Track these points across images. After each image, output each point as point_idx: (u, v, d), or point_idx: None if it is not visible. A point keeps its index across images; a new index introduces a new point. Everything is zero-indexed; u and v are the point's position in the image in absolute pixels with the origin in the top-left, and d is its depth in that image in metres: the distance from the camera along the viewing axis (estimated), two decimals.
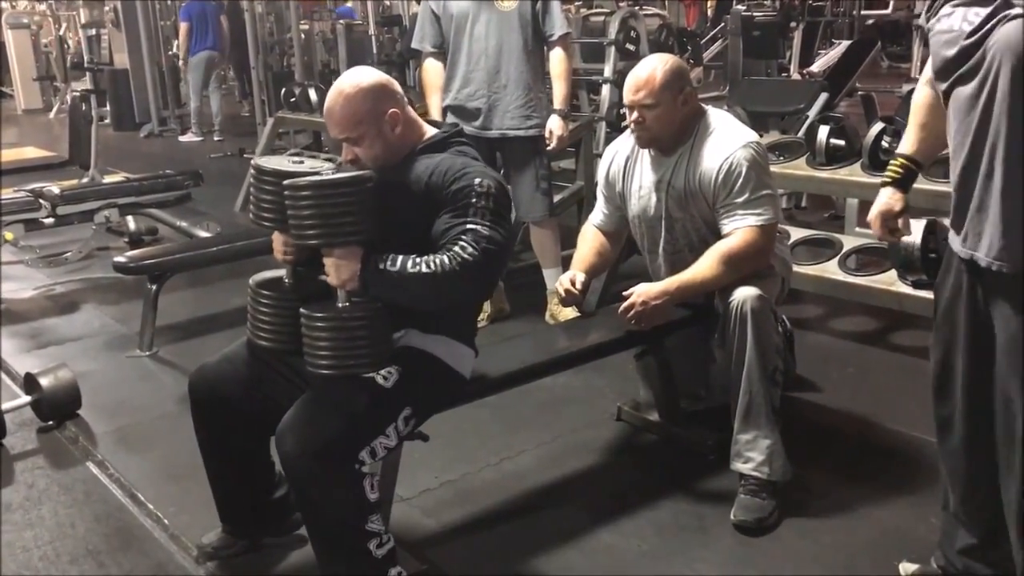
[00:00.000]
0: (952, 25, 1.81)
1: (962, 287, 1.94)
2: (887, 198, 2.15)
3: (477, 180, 2.10)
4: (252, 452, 2.37)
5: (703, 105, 2.77)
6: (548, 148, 3.93)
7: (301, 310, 2.09)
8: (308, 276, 2.20)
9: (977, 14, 1.76)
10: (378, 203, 2.07)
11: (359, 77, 2.19)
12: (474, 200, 2.08)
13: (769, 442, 2.56)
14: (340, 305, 2.07)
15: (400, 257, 2.03)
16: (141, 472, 2.99)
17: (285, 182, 2.05)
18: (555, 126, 3.87)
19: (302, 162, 2.20)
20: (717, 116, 2.73)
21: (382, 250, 2.05)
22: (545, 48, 3.96)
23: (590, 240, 2.99)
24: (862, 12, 12.06)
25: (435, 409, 2.28)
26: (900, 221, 2.15)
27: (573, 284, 2.79)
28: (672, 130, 2.67)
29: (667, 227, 2.76)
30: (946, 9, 1.84)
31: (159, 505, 2.75)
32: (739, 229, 2.59)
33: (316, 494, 2.02)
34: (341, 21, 10.69)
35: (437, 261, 2.02)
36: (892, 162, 2.17)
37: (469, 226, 2.06)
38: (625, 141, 2.89)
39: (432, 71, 4.00)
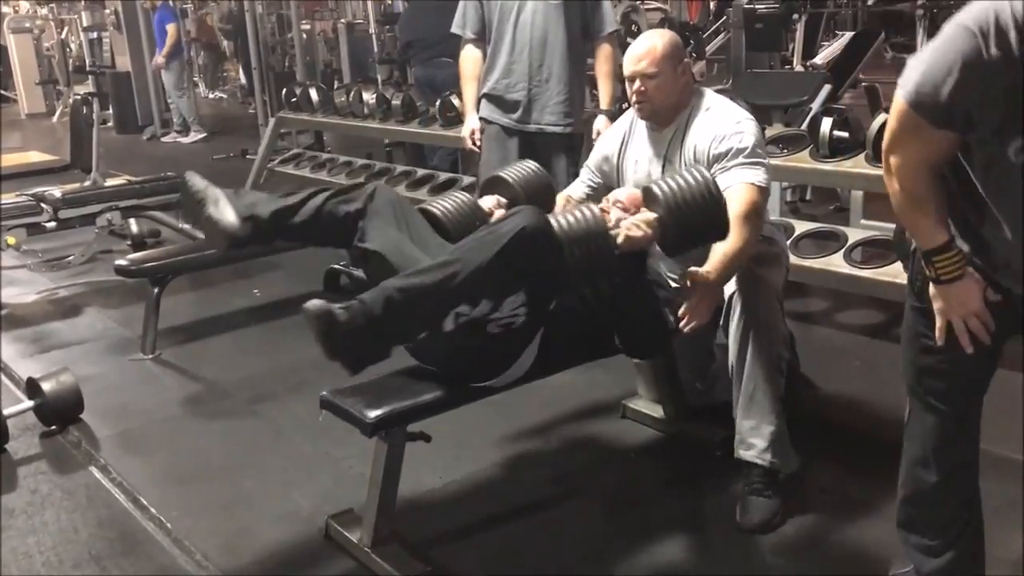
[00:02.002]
0: None
1: None
2: (977, 291, 1.78)
3: None
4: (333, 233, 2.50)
5: (700, 86, 2.78)
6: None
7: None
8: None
9: None
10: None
11: None
12: None
13: (772, 429, 2.54)
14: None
15: None
16: (144, 476, 2.98)
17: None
18: (603, 127, 3.68)
19: None
20: (714, 97, 2.74)
21: None
22: (592, 45, 3.86)
23: None
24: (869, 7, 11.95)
25: (471, 376, 2.37)
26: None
27: None
28: (671, 100, 2.68)
29: None
30: None
31: (162, 509, 2.74)
32: (736, 186, 2.50)
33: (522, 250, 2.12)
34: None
35: None
36: (950, 256, 1.77)
37: None
38: (621, 121, 2.91)
39: (471, 59, 3.90)
